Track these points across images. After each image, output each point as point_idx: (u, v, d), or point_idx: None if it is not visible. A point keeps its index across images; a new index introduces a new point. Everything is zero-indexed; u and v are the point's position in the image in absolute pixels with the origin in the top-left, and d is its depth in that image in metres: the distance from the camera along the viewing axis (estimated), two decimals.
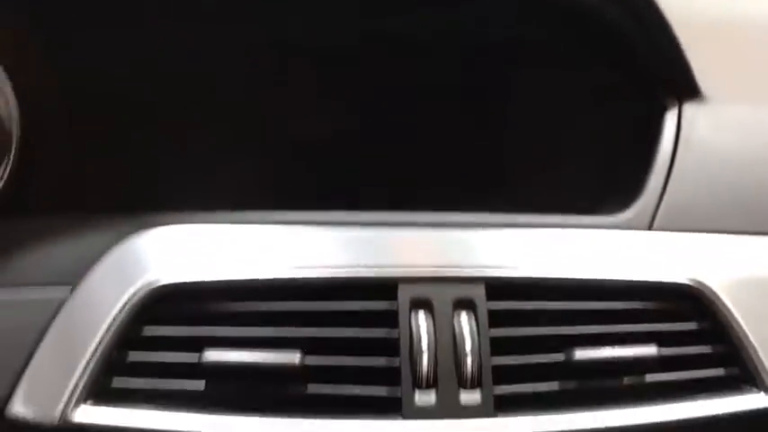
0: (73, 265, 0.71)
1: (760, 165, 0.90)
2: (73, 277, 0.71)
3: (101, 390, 0.67)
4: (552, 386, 0.73)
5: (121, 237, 0.72)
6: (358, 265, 0.72)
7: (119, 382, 0.68)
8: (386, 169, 0.93)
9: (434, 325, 0.71)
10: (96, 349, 0.67)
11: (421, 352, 0.70)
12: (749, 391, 0.77)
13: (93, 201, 0.78)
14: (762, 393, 0.76)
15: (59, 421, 0.66)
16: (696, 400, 0.75)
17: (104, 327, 0.68)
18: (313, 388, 0.69)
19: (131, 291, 0.69)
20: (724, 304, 0.77)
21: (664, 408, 0.73)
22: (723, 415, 0.75)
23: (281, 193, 0.82)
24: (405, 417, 0.69)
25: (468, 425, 0.69)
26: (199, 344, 0.69)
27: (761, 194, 0.87)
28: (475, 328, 0.71)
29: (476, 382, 0.70)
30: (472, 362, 0.70)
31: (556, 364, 0.73)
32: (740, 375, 0.77)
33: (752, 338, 0.77)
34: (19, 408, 0.66)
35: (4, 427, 0.67)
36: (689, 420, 0.73)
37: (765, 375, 0.77)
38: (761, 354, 0.77)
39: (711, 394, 0.76)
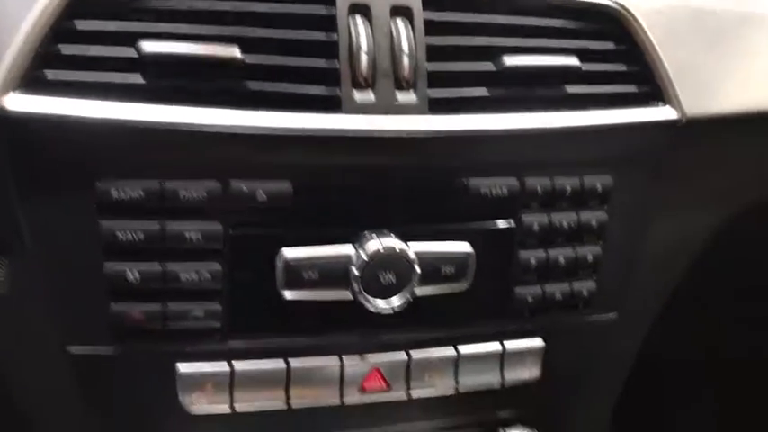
0: None
1: None
2: None
3: (33, 81, 0.66)
4: (482, 92, 0.77)
5: None
6: None
7: (53, 75, 0.67)
8: None
9: (372, 29, 0.72)
10: (25, 41, 0.65)
11: (360, 53, 0.71)
12: (657, 105, 0.83)
13: None
14: (668, 107, 0.83)
15: None
16: (611, 110, 0.81)
17: (32, 18, 0.65)
18: (253, 85, 0.70)
19: None
20: (642, 27, 0.82)
21: (581, 114, 0.79)
22: (635, 124, 0.81)
23: None
24: (344, 112, 0.71)
25: (403, 121, 0.73)
26: (136, 39, 0.67)
27: None
28: (411, 34, 0.73)
29: (411, 84, 0.73)
30: (409, 64, 0.72)
31: (486, 71, 0.76)
32: (651, 92, 0.83)
33: (663, 60, 0.83)
34: None
35: None
36: (604, 126, 0.80)
37: (672, 92, 0.83)
38: (671, 73, 0.83)
39: (625, 106, 0.82)
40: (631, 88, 0.83)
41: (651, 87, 0.83)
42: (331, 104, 0.71)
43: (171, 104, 0.68)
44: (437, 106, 0.74)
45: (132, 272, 0.70)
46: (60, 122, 0.66)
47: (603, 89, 0.82)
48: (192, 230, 0.70)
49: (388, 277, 0.74)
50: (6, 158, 0.68)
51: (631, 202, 0.85)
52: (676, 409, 1.39)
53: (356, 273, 0.73)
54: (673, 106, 0.83)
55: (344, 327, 0.77)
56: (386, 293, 0.74)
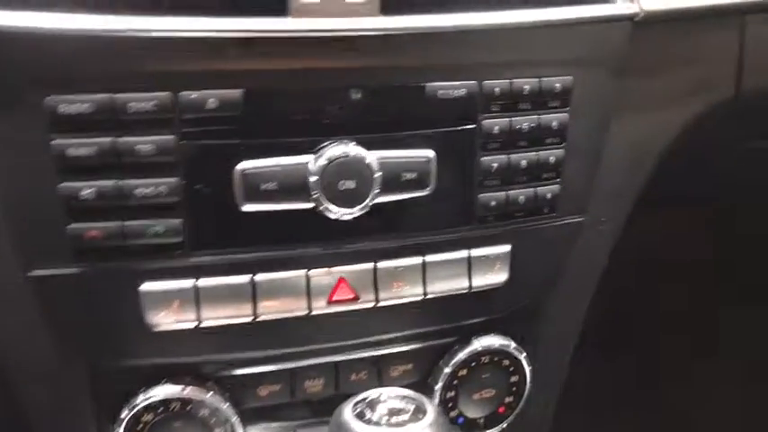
0: None
1: None
2: None
3: None
4: None
5: None
6: None
7: None
8: None
9: None
10: None
11: None
12: (614, 1, 0.82)
13: None
14: (625, 1, 0.82)
15: None
16: (567, 6, 0.80)
17: None
18: None
19: None
20: None
21: (536, 11, 0.77)
22: (592, 18, 0.80)
23: None
24: (291, 14, 0.70)
25: (352, 22, 0.71)
26: None
27: None
28: None
29: None
30: None
31: None
32: None
33: None
34: None
35: None
36: (561, 22, 0.78)
37: None
38: None
39: (582, 3, 0.81)
40: None
41: None
42: (276, 8, 0.70)
43: (114, 13, 0.66)
44: (388, 7, 0.73)
45: (87, 189, 0.69)
46: (5, 35, 0.64)
47: None
48: (144, 143, 0.69)
49: (348, 184, 0.73)
50: None
51: (593, 102, 0.84)
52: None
53: (315, 180, 0.72)
54: (630, 0, 0.82)
55: (308, 238, 0.77)
56: (346, 201, 0.74)
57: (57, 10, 0.65)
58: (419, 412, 0.66)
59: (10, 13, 0.64)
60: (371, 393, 0.71)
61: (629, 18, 0.82)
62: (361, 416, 0.67)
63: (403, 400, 0.68)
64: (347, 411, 0.68)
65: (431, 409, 0.67)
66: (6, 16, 0.64)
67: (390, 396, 0.69)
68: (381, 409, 0.67)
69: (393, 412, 0.67)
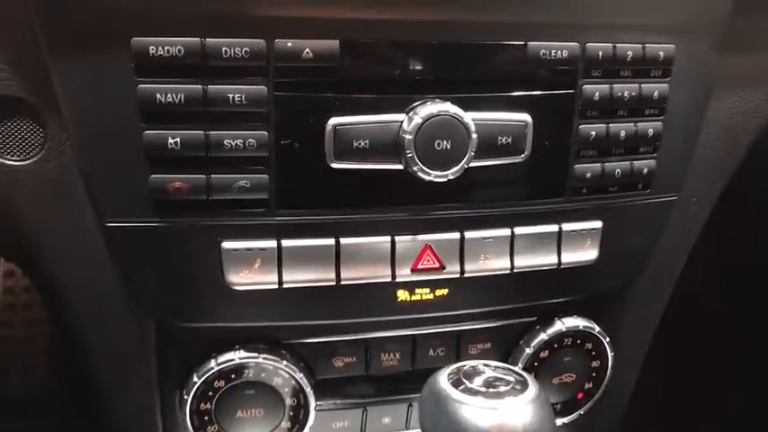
0: None
1: None
2: None
3: None
4: None
5: None
6: None
7: None
8: None
9: None
10: None
11: None
12: None
13: None
14: None
15: None
16: None
17: None
18: None
19: None
20: None
21: None
22: None
23: None
24: None
25: None
26: None
27: None
28: None
29: None
30: None
31: None
32: None
33: None
34: None
35: None
36: None
37: None
38: None
39: None
40: None
41: None
42: None
43: None
44: None
45: (173, 138, 0.66)
46: None
47: None
48: (235, 92, 0.66)
49: (444, 144, 0.69)
50: (36, 13, 0.63)
51: (694, 74, 0.80)
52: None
53: (409, 139, 0.69)
54: None
55: (395, 202, 0.73)
56: (440, 163, 0.70)
57: None
58: (518, 385, 0.62)
59: None
60: (466, 363, 0.66)
61: None
62: (457, 384, 0.63)
63: (500, 372, 0.64)
64: (443, 379, 0.64)
65: (532, 382, 0.63)
66: None
67: (487, 367, 0.65)
68: (478, 380, 0.63)
69: (490, 383, 0.62)
